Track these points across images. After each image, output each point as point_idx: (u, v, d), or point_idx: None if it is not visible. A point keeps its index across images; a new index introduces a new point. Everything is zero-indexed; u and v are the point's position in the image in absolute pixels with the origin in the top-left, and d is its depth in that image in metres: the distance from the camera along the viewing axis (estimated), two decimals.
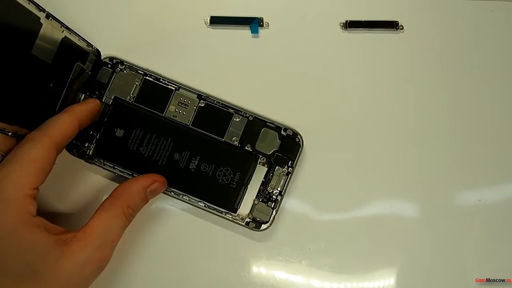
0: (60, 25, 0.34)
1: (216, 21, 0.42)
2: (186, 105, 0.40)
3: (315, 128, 0.40)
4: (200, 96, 0.40)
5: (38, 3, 0.31)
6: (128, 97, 0.40)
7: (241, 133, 0.39)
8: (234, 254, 0.40)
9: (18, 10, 0.30)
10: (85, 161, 0.39)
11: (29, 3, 0.30)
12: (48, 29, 0.33)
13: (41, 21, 0.32)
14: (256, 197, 0.39)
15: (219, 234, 0.40)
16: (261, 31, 0.42)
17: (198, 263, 0.39)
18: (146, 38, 0.41)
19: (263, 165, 0.39)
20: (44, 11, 0.32)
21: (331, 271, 0.39)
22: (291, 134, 0.39)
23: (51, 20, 0.33)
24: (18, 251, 0.31)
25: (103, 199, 0.35)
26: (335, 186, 0.40)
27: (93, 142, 0.39)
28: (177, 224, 0.40)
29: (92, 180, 0.40)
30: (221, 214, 0.39)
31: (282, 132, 0.39)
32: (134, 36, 0.41)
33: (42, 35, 0.32)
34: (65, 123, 0.34)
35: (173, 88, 0.40)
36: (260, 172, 0.39)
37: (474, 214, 0.40)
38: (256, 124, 0.39)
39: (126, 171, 0.39)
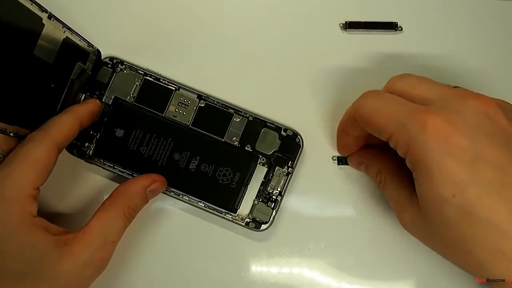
0: (62, 25, 0.34)
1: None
2: (186, 105, 0.40)
3: (315, 129, 0.40)
4: (200, 96, 0.40)
5: (40, 4, 0.31)
6: (128, 97, 0.40)
7: (241, 133, 0.39)
8: (234, 254, 0.40)
9: (21, 11, 0.30)
10: (85, 161, 0.39)
11: (31, 4, 0.30)
12: (50, 29, 0.33)
13: (44, 21, 0.32)
14: (256, 197, 0.39)
15: (219, 234, 0.40)
16: (263, 31, 0.42)
17: (198, 263, 0.39)
18: (146, 38, 0.42)
19: (263, 165, 0.39)
20: (46, 11, 0.32)
21: (331, 271, 0.39)
22: (291, 134, 0.39)
23: (53, 20, 0.33)
24: (18, 252, 0.31)
25: (103, 199, 0.35)
26: (335, 186, 0.40)
27: (93, 142, 0.39)
28: (177, 224, 0.40)
29: (92, 180, 0.40)
30: (221, 214, 0.39)
31: (282, 133, 0.39)
32: (134, 36, 0.41)
33: (44, 36, 0.32)
34: (66, 123, 0.34)
35: (173, 88, 0.40)
36: (260, 172, 0.39)
37: None
38: (256, 124, 0.39)
39: (126, 171, 0.39)
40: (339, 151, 0.40)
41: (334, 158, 0.40)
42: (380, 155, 0.37)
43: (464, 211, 0.27)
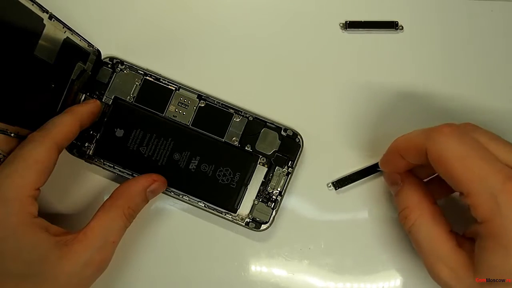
0: (62, 25, 0.34)
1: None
2: (186, 105, 0.40)
3: (315, 129, 0.40)
4: (200, 96, 0.40)
5: (41, 4, 0.31)
6: (128, 97, 0.40)
7: (241, 133, 0.39)
8: (234, 254, 0.40)
9: (22, 11, 0.30)
10: (85, 161, 0.39)
11: (32, 4, 0.30)
12: (50, 30, 0.33)
13: (44, 22, 0.32)
14: (256, 197, 0.39)
15: (219, 234, 0.40)
16: (263, 31, 0.42)
17: (198, 263, 0.40)
18: (146, 38, 0.41)
19: (263, 165, 0.39)
20: (47, 12, 0.32)
21: (331, 271, 0.39)
22: (291, 134, 0.39)
23: (53, 21, 0.33)
24: (19, 252, 0.31)
25: (103, 199, 0.35)
26: None
27: (93, 142, 0.39)
28: (177, 224, 0.40)
29: (92, 180, 0.40)
30: (221, 214, 0.39)
31: (282, 133, 0.39)
32: (134, 36, 0.41)
33: (45, 36, 0.32)
34: (67, 124, 0.34)
35: (173, 88, 0.40)
36: (260, 172, 0.39)
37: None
38: (256, 124, 0.39)
39: (126, 171, 0.39)
40: (381, 164, 0.37)
41: (329, 185, 0.40)
42: (422, 188, 0.34)
43: None
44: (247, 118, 0.39)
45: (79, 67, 0.37)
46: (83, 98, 0.39)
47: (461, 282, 0.30)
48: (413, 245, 0.33)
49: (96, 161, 0.39)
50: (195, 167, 0.39)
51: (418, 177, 0.36)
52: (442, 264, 0.30)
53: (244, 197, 0.39)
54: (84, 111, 0.37)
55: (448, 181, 0.29)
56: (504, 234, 0.27)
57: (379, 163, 0.37)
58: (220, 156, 0.39)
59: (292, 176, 0.39)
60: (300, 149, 0.39)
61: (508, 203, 0.27)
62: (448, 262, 0.30)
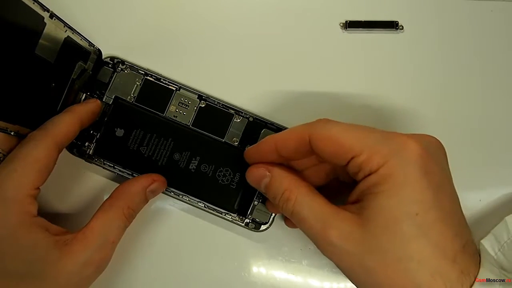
0: (63, 24, 0.34)
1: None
2: (186, 105, 0.40)
3: None
4: (200, 96, 0.40)
5: (42, 3, 0.31)
6: (129, 97, 0.40)
7: (241, 134, 0.39)
8: (234, 255, 0.40)
9: (23, 10, 0.30)
10: (85, 161, 0.39)
11: (33, 3, 0.30)
12: (51, 28, 0.33)
13: (45, 20, 0.32)
14: (256, 198, 0.39)
15: (219, 234, 0.40)
16: (263, 31, 0.42)
17: (198, 263, 0.39)
18: (147, 38, 0.41)
19: None
20: (48, 10, 0.32)
21: (331, 271, 0.39)
22: None
23: (54, 19, 0.33)
24: (18, 252, 0.31)
25: (103, 199, 0.35)
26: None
27: (94, 141, 0.39)
28: (177, 224, 0.40)
29: (92, 180, 0.40)
30: (220, 215, 0.39)
31: None
32: (135, 36, 0.41)
33: (45, 35, 0.32)
34: (67, 123, 0.34)
35: (174, 88, 0.40)
36: None
37: (474, 214, 0.41)
38: (256, 125, 0.39)
39: (126, 171, 0.39)
40: (248, 153, 0.37)
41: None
42: (291, 171, 0.34)
43: (421, 231, 0.27)
44: (248, 118, 0.40)
45: (79, 66, 0.37)
46: (83, 97, 0.39)
47: (350, 242, 0.29)
48: (300, 227, 0.32)
49: (96, 161, 0.39)
50: (195, 167, 0.39)
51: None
52: (332, 228, 0.30)
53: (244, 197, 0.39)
54: (84, 110, 0.37)
55: (333, 158, 0.31)
56: (397, 175, 0.28)
57: (244, 154, 0.37)
58: (220, 157, 0.39)
59: None
60: None
61: (398, 145, 0.29)
62: (337, 224, 0.30)
